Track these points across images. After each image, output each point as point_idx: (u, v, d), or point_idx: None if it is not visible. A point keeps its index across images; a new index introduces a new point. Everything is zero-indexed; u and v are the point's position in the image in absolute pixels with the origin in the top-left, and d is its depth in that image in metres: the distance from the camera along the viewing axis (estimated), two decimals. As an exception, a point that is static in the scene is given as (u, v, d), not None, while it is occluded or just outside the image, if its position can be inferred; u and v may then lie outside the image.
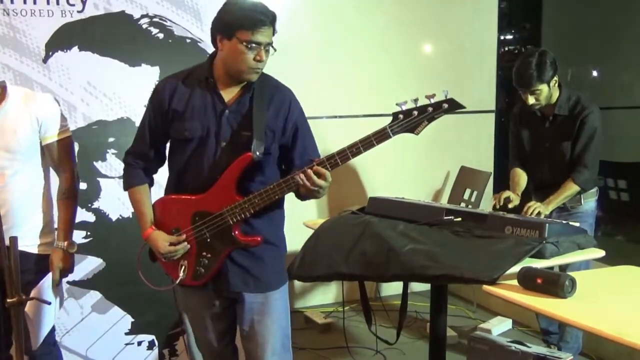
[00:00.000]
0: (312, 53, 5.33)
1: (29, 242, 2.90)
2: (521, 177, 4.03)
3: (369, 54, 5.51)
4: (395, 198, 3.58)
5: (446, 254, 2.86)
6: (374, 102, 5.39)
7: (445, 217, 3.16)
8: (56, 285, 2.95)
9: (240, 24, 2.52)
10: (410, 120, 2.49)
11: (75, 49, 3.76)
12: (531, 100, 3.74)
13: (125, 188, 2.83)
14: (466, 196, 5.30)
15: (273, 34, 2.56)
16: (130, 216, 3.83)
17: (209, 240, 2.68)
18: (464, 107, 2.51)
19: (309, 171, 2.53)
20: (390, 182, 5.56)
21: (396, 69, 5.61)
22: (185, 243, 2.70)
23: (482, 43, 5.95)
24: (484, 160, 5.93)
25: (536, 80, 3.69)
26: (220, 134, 2.63)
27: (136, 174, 2.81)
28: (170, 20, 3.97)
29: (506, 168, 4.23)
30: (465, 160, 5.70)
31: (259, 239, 2.67)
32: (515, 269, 2.68)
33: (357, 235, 3.20)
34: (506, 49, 7.53)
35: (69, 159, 3.00)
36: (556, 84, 3.78)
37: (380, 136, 2.50)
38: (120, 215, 3.84)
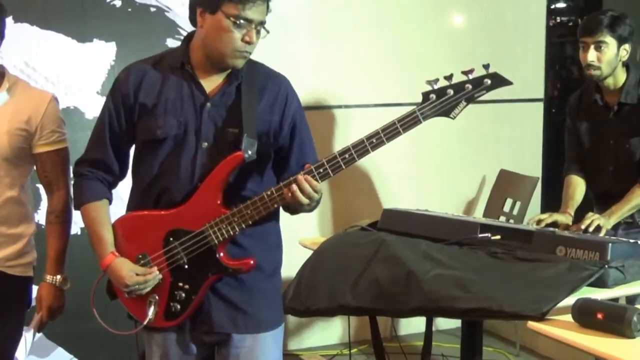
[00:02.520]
0: (312, 28, 5.33)
1: (5, 262, 2.96)
2: (577, 189, 4.02)
3: (382, 27, 5.50)
4: (416, 210, 3.57)
5: (481, 282, 2.86)
6: (389, 89, 5.40)
7: (480, 235, 3.16)
8: (39, 328, 3.03)
9: None
10: (445, 100, 2.52)
11: (10, 20, 3.74)
12: (591, 56, 3.74)
13: (77, 206, 2.81)
14: (507, 208, 5.30)
15: (267, 12, 2.58)
16: (79, 232, 3.83)
17: (186, 266, 2.66)
18: (511, 83, 2.55)
19: (300, 177, 2.54)
20: (410, 190, 5.56)
21: (417, 46, 5.60)
22: (156, 272, 2.67)
23: (526, 13, 5.96)
24: (530, 163, 5.93)
25: (605, 28, 3.71)
26: (201, 131, 2.63)
27: (91, 187, 2.78)
28: (130, -16, 3.99)
29: (558, 172, 4.23)
30: (505, 162, 5.70)
31: (251, 261, 2.64)
32: (570, 300, 2.67)
33: (367, 258, 3.20)
34: (557, 20, 7.52)
35: (63, 174, 3.05)
36: (625, 59, 3.79)
37: (409, 121, 2.52)
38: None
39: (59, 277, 3.01)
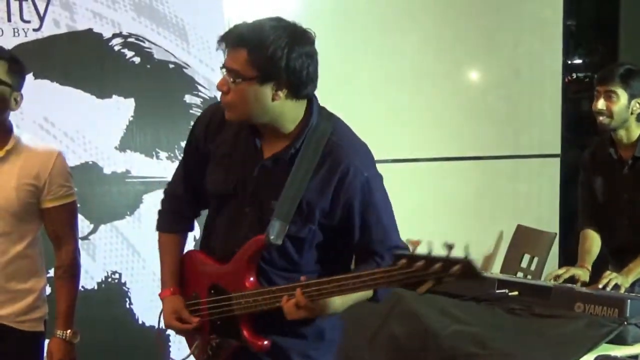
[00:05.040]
0: (324, 79, 5.35)
1: (14, 317, 2.96)
2: (593, 243, 4.01)
3: (398, 83, 5.52)
4: (433, 266, 3.57)
5: (499, 339, 2.85)
6: (404, 144, 5.41)
7: (497, 291, 3.15)
8: None
9: None
10: (411, 272, 2.18)
11: (30, 76, 3.82)
12: (600, 104, 3.76)
13: (157, 228, 2.83)
14: (524, 264, 5.28)
15: (249, 62, 2.35)
16: (95, 287, 3.86)
17: (218, 322, 2.63)
18: (483, 279, 2.28)
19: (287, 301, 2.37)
20: (427, 245, 5.54)
21: (433, 102, 5.61)
22: (195, 324, 2.64)
23: (543, 69, 5.99)
24: (547, 218, 5.91)
25: (618, 79, 3.74)
26: (246, 196, 2.52)
27: (164, 220, 2.81)
28: (148, 41, 4.05)
29: (575, 227, 4.21)
30: (522, 217, 5.69)
31: (265, 342, 2.51)
32: (589, 358, 2.66)
33: (384, 314, 3.19)
34: (574, 76, 7.56)
35: (71, 228, 3.07)
36: (636, 115, 3.80)
37: (370, 281, 2.26)
38: (83, 287, 3.86)
39: (69, 331, 3.02)
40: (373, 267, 2.36)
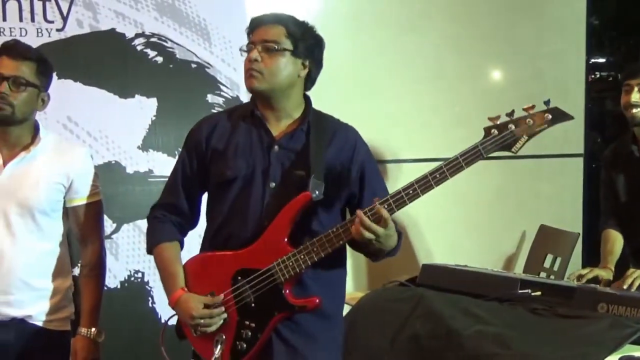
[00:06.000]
0: (345, 81, 5.36)
1: (41, 316, 3.00)
2: (616, 242, 3.99)
3: (420, 84, 5.52)
4: (455, 266, 3.57)
5: (521, 339, 2.84)
6: (426, 145, 5.40)
7: (520, 291, 3.14)
8: None
9: (248, 31, 2.78)
10: (506, 135, 2.60)
11: (54, 76, 3.85)
12: (635, 97, 3.75)
13: (149, 248, 2.90)
14: (547, 264, 5.25)
15: (288, 37, 2.72)
16: (119, 286, 3.87)
17: (253, 304, 2.71)
18: (573, 118, 2.64)
19: (360, 213, 2.57)
20: (450, 245, 5.54)
21: (454, 102, 5.60)
22: (223, 308, 2.72)
23: (565, 68, 5.95)
24: (570, 218, 5.88)
25: None
26: (269, 172, 2.75)
27: (164, 229, 2.89)
28: (171, 41, 4.07)
29: (598, 227, 4.20)
30: (545, 217, 5.66)
31: (316, 300, 2.70)
32: (613, 358, 2.65)
33: (406, 314, 3.19)
34: (597, 75, 7.53)
35: (97, 227, 3.13)
36: None
37: (471, 155, 2.59)
38: (106, 286, 3.88)
39: (93, 330, 3.05)
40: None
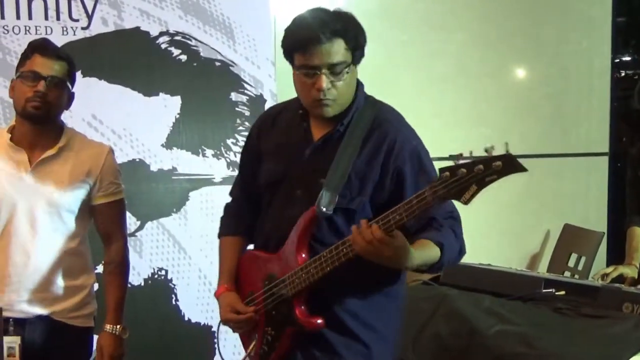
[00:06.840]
0: (370, 79, 5.35)
1: (66, 313, 3.03)
2: (641, 240, 3.97)
3: (442, 80, 5.52)
4: (479, 265, 3.56)
5: (545, 338, 2.82)
6: (449, 143, 5.38)
7: (544, 290, 3.13)
8: None
9: (294, 46, 2.51)
10: (454, 181, 2.22)
11: (78, 74, 3.85)
12: None
13: (218, 235, 2.94)
14: (571, 263, 5.24)
15: (348, 49, 2.48)
16: (142, 284, 3.89)
17: (273, 312, 2.67)
18: (525, 170, 2.20)
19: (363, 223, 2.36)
20: (473, 244, 5.50)
21: (479, 101, 5.59)
22: (251, 314, 2.69)
23: (590, 67, 5.94)
24: (595, 217, 5.86)
25: None
26: (297, 179, 2.63)
27: (228, 224, 2.91)
28: (195, 39, 4.08)
29: (623, 227, 4.17)
30: (570, 217, 5.64)
31: (318, 321, 2.55)
32: (638, 359, 2.63)
33: (429, 313, 3.18)
34: (622, 74, 7.47)
35: (120, 225, 3.16)
36: None
37: (418, 202, 2.28)
38: (130, 284, 3.90)
39: (118, 326, 3.07)
40: (436, 231, 2.47)
